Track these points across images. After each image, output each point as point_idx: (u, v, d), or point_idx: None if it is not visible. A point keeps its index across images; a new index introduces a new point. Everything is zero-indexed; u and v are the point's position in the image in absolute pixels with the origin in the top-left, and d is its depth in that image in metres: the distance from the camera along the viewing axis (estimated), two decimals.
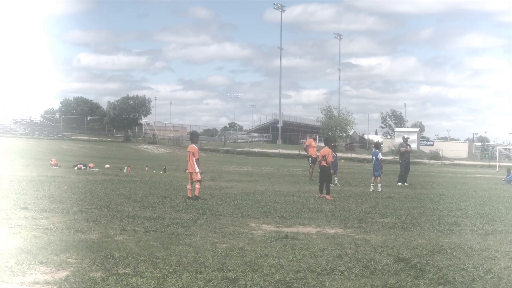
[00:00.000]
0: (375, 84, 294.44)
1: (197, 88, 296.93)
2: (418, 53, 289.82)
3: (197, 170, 19.24)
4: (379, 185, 25.71)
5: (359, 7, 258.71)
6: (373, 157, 26.47)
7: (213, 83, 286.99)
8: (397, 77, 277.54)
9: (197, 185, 19.23)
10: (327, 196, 20.84)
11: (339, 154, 41.93)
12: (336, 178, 28.33)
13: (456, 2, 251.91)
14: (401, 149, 33.34)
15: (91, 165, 38.06)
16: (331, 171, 22.32)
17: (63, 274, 8.32)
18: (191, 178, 19.36)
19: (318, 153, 26.25)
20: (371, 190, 25.51)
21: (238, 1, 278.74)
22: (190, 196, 19.05)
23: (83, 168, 36.52)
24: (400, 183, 31.36)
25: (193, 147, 19.70)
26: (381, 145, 28.90)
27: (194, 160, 19.43)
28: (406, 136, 34.30)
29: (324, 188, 21.34)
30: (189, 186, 19.46)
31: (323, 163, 21.71)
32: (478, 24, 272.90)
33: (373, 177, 26.11)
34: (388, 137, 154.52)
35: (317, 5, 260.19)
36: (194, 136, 20.88)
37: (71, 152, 74.13)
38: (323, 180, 21.56)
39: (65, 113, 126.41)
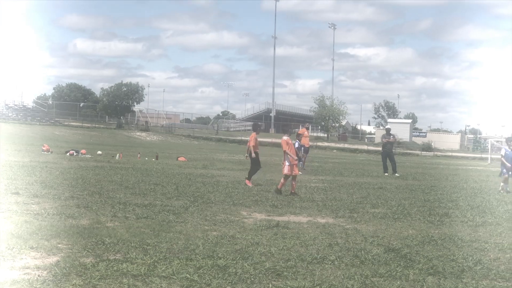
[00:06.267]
0: (371, 75, 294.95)
1: (192, 76, 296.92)
2: (415, 44, 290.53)
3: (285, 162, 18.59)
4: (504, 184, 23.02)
5: None
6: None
7: (209, 71, 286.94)
8: (393, 68, 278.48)
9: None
10: (246, 181, 21.09)
11: (331, 144, 41.60)
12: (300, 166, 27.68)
13: None
14: (383, 140, 33.51)
15: (83, 151, 38.01)
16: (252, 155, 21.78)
17: (53, 259, 8.32)
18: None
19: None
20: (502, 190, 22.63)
21: None
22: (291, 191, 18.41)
23: (75, 154, 36.45)
24: (386, 174, 31.50)
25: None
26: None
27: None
28: (388, 127, 34.67)
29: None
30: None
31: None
32: (476, 16, 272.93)
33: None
34: (381, 127, 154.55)
35: None
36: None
37: (63, 138, 74.01)
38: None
39: (58, 99, 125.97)
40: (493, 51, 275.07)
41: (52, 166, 25.41)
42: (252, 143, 21.48)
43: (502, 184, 22.83)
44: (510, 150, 23.11)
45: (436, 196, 19.83)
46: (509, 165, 22.66)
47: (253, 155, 21.48)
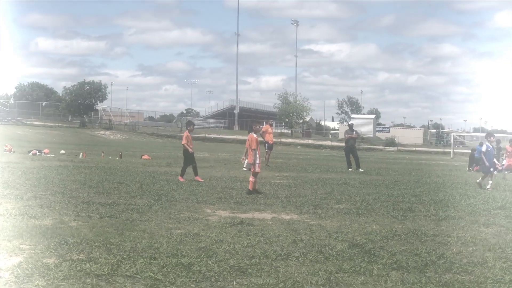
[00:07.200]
0: (334, 71, 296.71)
1: (156, 74, 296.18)
2: (378, 40, 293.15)
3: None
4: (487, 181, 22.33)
5: None
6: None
7: (172, 69, 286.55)
8: (356, 64, 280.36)
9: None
10: (196, 177, 21.40)
11: (295, 140, 41.67)
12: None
13: None
14: (346, 135, 33.89)
15: (46, 150, 37.69)
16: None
17: (16, 260, 8.24)
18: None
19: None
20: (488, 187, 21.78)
21: None
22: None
23: (38, 153, 36.12)
24: (350, 169, 31.73)
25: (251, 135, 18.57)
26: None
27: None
28: (350, 123, 35.45)
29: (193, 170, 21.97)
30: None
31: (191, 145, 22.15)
32: (438, 12, 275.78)
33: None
34: (345, 123, 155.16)
35: None
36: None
37: (26, 137, 73.19)
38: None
39: (20, 98, 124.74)
40: (454, 46, 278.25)
41: (14, 166, 25.15)
42: (183, 141, 22.35)
43: (490, 182, 22.04)
44: (491, 146, 22.55)
45: (399, 191, 19.95)
46: (487, 164, 22.04)
47: (191, 151, 22.10)
